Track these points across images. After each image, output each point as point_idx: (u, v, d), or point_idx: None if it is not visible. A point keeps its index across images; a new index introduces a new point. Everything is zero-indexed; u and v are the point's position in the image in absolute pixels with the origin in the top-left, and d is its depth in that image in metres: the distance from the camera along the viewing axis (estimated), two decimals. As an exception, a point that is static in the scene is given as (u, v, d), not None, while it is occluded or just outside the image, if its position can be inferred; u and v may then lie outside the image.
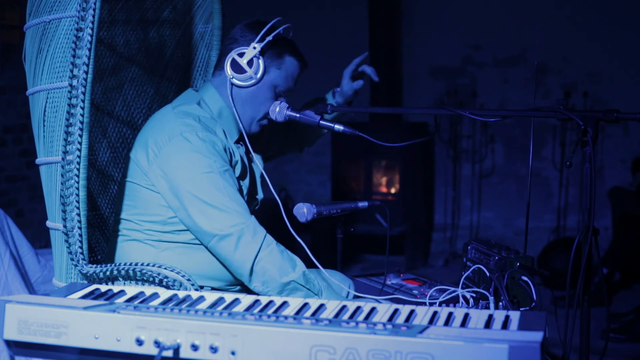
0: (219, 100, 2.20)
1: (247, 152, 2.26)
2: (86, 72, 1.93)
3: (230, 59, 2.17)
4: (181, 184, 2.04)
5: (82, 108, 1.94)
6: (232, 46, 2.19)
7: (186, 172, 2.04)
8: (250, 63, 2.16)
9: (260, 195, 2.31)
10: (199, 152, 2.04)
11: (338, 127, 2.19)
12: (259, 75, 2.17)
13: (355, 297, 2.25)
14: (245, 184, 2.21)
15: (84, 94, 1.94)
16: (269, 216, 2.29)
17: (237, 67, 2.17)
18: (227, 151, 2.12)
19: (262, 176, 2.33)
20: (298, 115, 2.20)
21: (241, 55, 2.17)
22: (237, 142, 2.23)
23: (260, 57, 2.16)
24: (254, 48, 2.15)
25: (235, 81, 2.18)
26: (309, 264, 2.15)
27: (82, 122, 1.94)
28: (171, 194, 2.06)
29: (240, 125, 2.21)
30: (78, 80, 1.94)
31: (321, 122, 2.20)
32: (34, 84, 2.07)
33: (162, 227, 2.12)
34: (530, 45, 5.82)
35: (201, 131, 2.06)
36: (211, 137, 2.07)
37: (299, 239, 2.10)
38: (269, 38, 2.15)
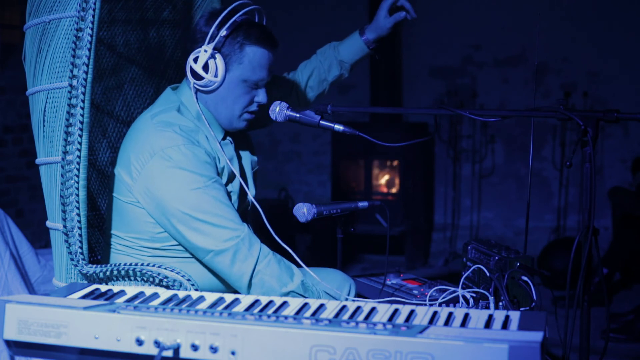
0: (195, 104, 2.11)
1: (236, 146, 2.22)
2: (86, 72, 1.93)
3: (188, 66, 2.09)
4: (169, 203, 1.99)
5: (82, 108, 1.93)
6: (192, 48, 2.10)
7: (173, 190, 1.99)
8: (206, 67, 2.06)
9: (251, 194, 2.24)
10: (184, 169, 1.98)
11: (338, 127, 2.15)
12: (219, 78, 2.07)
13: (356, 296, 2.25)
14: (235, 187, 2.16)
15: (84, 94, 1.93)
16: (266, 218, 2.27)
17: (196, 73, 2.08)
18: (213, 159, 2.06)
19: (254, 174, 2.30)
20: (298, 115, 2.18)
21: (196, 60, 2.07)
22: (224, 138, 2.18)
23: (217, 56, 2.06)
24: (205, 51, 2.05)
25: (198, 87, 2.10)
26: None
27: (82, 122, 1.93)
28: (159, 213, 2.02)
29: (219, 126, 2.15)
30: (78, 80, 1.94)
31: (321, 122, 2.19)
32: (34, 84, 2.07)
33: (151, 244, 2.08)
34: (530, 45, 5.82)
35: (184, 145, 1.99)
36: (194, 149, 2.00)
37: (282, 243, 2.05)
38: (222, 33, 2.04)
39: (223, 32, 2.05)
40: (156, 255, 2.09)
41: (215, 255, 1.99)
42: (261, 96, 2.15)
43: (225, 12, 2.06)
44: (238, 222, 2.01)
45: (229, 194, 2.11)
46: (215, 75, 2.07)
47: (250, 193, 2.22)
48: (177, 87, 2.20)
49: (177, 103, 2.13)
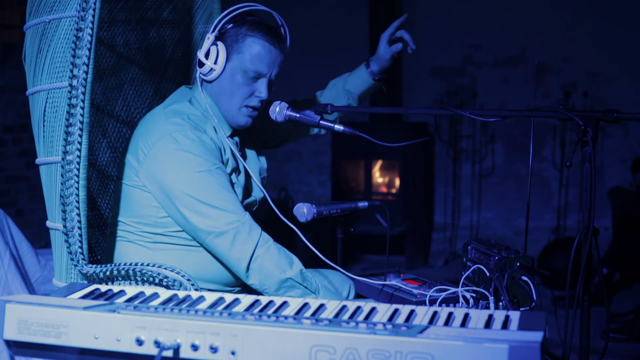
0: (203, 97, 2.16)
1: (243, 148, 2.24)
2: (86, 72, 1.93)
3: (197, 57, 2.15)
4: (173, 184, 2.02)
5: (82, 108, 1.94)
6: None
7: (177, 172, 2.03)
8: (208, 55, 2.12)
9: (258, 194, 2.27)
10: (189, 151, 2.02)
11: (338, 127, 2.16)
12: (219, 65, 2.11)
13: (356, 293, 2.25)
14: (240, 180, 2.19)
15: (84, 94, 1.94)
16: (269, 216, 2.28)
17: (200, 61, 2.14)
18: (218, 149, 2.10)
19: (262, 179, 2.31)
20: (298, 115, 2.19)
21: (202, 49, 2.14)
22: (231, 136, 2.20)
23: (219, 44, 2.11)
24: (208, 38, 2.11)
25: (202, 76, 2.15)
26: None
27: (82, 122, 1.94)
28: (163, 195, 2.05)
29: (226, 123, 2.17)
30: (78, 80, 1.94)
31: (321, 122, 2.19)
32: (34, 84, 2.07)
33: (154, 229, 2.11)
34: (530, 45, 5.82)
35: (190, 130, 2.04)
36: (200, 136, 2.05)
37: (299, 233, 2.07)
38: (223, 24, 2.10)
39: (225, 23, 2.10)
40: (157, 242, 2.11)
41: (216, 237, 2.01)
42: (262, 90, 2.15)
43: (239, 6, 2.10)
44: (239, 208, 2.04)
45: (232, 184, 2.12)
46: (215, 62, 2.11)
47: (256, 192, 2.25)
48: (193, 86, 2.24)
49: (189, 96, 2.18)
